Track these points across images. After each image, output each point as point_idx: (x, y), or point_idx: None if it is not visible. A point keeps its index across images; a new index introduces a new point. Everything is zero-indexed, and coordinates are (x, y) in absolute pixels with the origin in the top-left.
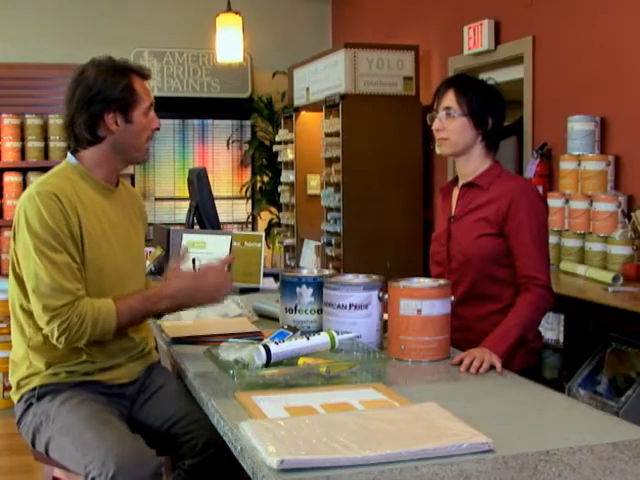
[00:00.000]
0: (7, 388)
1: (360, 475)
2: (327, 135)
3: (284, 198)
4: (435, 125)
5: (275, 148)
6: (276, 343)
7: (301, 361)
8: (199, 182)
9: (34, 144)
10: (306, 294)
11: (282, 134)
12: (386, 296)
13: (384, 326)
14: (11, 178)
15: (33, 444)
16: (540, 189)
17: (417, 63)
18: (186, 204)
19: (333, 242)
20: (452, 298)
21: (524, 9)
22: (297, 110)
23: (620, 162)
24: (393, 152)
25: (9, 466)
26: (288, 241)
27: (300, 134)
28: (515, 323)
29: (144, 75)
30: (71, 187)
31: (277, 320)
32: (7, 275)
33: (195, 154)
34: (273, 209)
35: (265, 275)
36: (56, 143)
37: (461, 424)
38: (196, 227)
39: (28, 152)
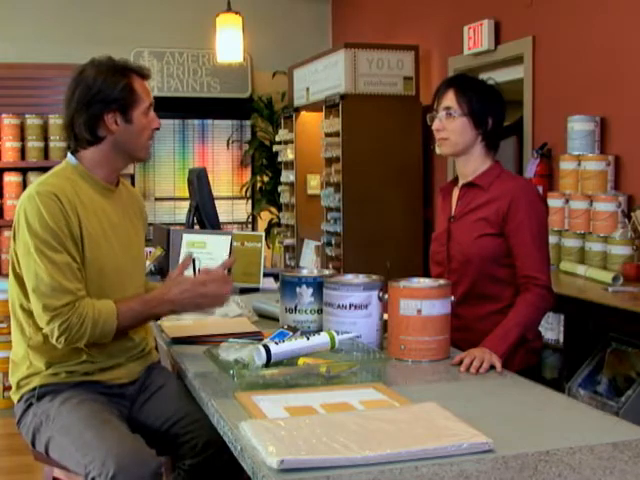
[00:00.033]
0: (7, 388)
1: (360, 475)
2: (327, 135)
3: (284, 198)
4: (435, 125)
5: (275, 148)
6: (276, 343)
7: (301, 361)
8: (199, 182)
9: (34, 144)
10: (306, 294)
11: (282, 134)
12: (386, 296)
13: (384, 326)
14: (11, 178)
15: (33, 444)
16: (540, 189)
17: (417, 63)
18: (186, 204)
19: (333, 242)
20: (452, 298)
21: (524, 9)
22: (297, 110)
23: (620, 162)
24: (393, 152)
25: (9, 466)
26: (288, 241)
27: (300, 134)
28: (515, 323)
29: (144, 75)
30: (71, 187)
31: (277, 320)
32: (7, 275)
33: (195, 154)
34: (273, 209)
35: (265, 275)
36: (56, 143)
37: (461, 424)
38: (196, 227)
39: (28, 152)
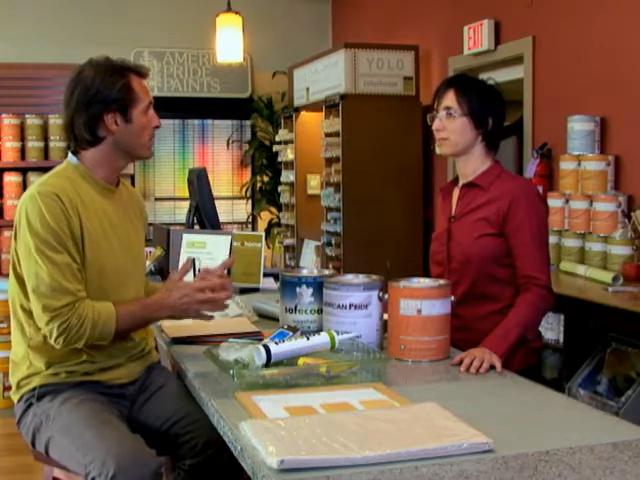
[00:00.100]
0: (7, 388)
1: (360, 475)
2: (327, 135)
3: (284, 198)
4: (435, 125)
5: (275, 148)
6: (276, 343)
7: (301, 361)
8: (199, 182)
9: (34, 144)
10: (306, 294)
11: (282, 134)
12: (386, 296)
13: (384, 326)
14: (11, 178)
15: (33, 444)
16: (540, 189)
17: (417, 63)
18: (186, 204)
19: (333, 242)
20: (452, 298)
21: (524, 9)
22: (297, 110)
23: (620, 162)
24: (393, 152)
25: (9, 466)
26: (288, 241)
27: (300, 134)
28: (515, 323)
29: (142, 74)
30: (72, 187)
31: (277, 320)
32: (7, 275)
33: (195, 154)
34: (273, 209)
35: (265, 275)
36: (56, 143)
37: (461, 424)
38: (196, 227)
39: (28, 152)
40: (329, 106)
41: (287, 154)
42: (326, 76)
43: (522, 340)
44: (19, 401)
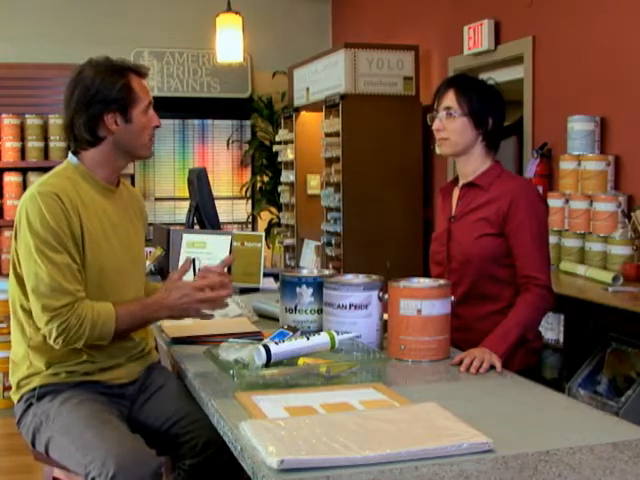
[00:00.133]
0: (7, 388)
1: (360, 475)
2: (327, 135)
3: (284, 198)
4: (435, 125)
5: (275, 148)
6: (276, 343)
7: (301, 361)
8: (199, 182)
9: (34, 144)
10: (306, 294)
11: (282, 134)
12: (386, 296)
13: (384, 326)
14: (11, 178)
15: (33, 444)
16: (540, 189)
17: (417, 63)
18: (186, 204)
19: (333, 242)
20: (452, 298)
21: (524, 9)
22: (297, 110)
23: (620, 162)
24: (393, 152)
25: (9, 466)
26: (288, 241)
27: (300, 134)
28: (515, 323)
29: (141, 73)
30: (72, 187)
31: (277, 320)
32: (7, 275)
33: (195, 154)
34: (273, 209)
35: (265, 275)
36: (56, 143)
37: (461, 424)
38: (196, 227)
39: (28, 152)
40: (329, 106)
41: (287, 154)
42: (326, 76)
43: (522, 340)
44: (19, 401)
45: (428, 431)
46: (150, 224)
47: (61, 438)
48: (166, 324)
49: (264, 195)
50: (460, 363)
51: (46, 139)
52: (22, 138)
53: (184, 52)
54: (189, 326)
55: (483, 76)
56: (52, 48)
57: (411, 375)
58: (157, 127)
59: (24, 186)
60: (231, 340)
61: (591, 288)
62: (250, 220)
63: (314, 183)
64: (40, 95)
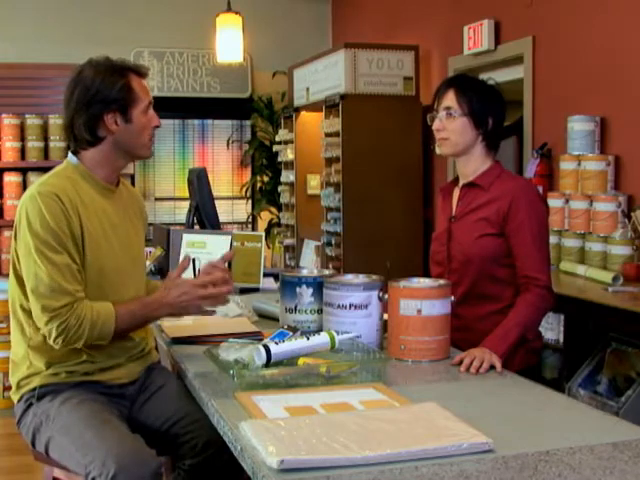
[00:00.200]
0: (7, 388)
1: (360, 475)
2: (327, 135)
3: (284, 198)
4: (435, 125)
5: (275, 148)
6: (276, 343)
7: (301, 361)
8: (199, 182)
9: (34, 144)
10: (306, 294)
11: (282, 134)
12: (386, 296)
13: (384, 326)
14: (11, 178)
15: (33, 444)
16: (540, 189)
17: (417, 63)
18: (186, 204)
19: (333, 242)
20: (452, 298)
21: (524, 9)
22: (297, 110)
23: (620, 162)
24: (393, 152)
25: (9, 466)
26: (288, 241)
27: (300, 134)
28: (515, 323)
29: (141, 73)
30: (72, 187)
31: (277, 320)
32: (7, 275)
33: (195, 154)
34: (273, 209)
35: (265, 275)
36: (56, 143)
37: (461, 424)
38: (196, 227)
39: (28, 152)
40: (329, 106)
41: (287, 154)
42: (326, 76)
43: (522, 340)
44: (19, 401)
45: (428, 431)
46: (150, 224)
47: (61, 438)
48: (166, 324)
49: (264, 195)
50: (460, 363)
51: (46, 139)
52: (22, 138)
53: (184, 52)
54: (189, 326)
55: (483, 76)
56: (52, 48)
57: (411, 375)
58: (157, 127)
59: (24, 186)
60: (231, 340)
61: (591, 288)
62: (250, 220)
63: (314, 183)
64: (40, 95)
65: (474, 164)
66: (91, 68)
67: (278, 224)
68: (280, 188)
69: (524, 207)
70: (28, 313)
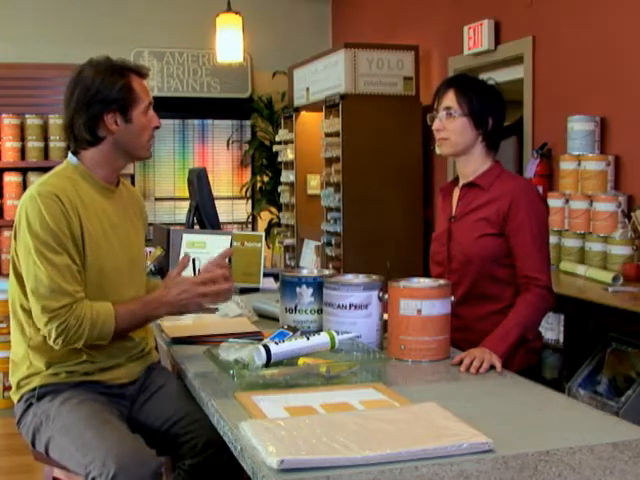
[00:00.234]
0: (7, 388)
1: (360, 475)
2: (327, 135)
3: (284, 198)
4: (435, 125)
5: (275, 148)
6: (276, 343)
7: (301, 361)
8: (199, 182)
9: (34, 144)
10: (306, 294)
11: (282, 134)
12: (386, 296)
13: (384, 326)
14: (11, 178)
15: (33, 444)
16: (540, 189)
17: (417, 63)
18: (186, 204)
19: (333, 242)
20: (452, 298)
21: (524, 9)
22: (297, 110)
23: (620, 162)
24: (393, 152)
25: (9, 466)
26: (288, 241)
27: (300, 134)
28: (515, 323)
29: (142, 74)
30: (72, 187)
31: (277, 320)
32: (7, 275)
33: (195, 154)
34: (273, 209)
35: (265, 275)
36: (56, 143)
37: (461, 424)
38: (196, 227)
39: (28, 152)
40: (329, 106)
41: (287, 154)
42: (326, 76)
43: (522, 340)
44: (19, 401)
45: (428, 431)
46: (150, 224)
47: (61, 438)
48: (166, 324)
49: (264, 195)
50: (460, 363)
51: (46, 139)
52: (22, 138)
53: (184, 52)
54: (189, 326)
55: (483, 76)
56: (52, 48)
57: (411, 375)
58: (157, 128)
59: (24, 186)
60: (231, 340)
61: (591, 288)
62: (250, 220)
63: (314, 183)
64: (40, 95)
65: (474, 164)
66: (91, 68)
67: (278, 224)
68: (280, 188)
69: (524, 207)
70: (28, 313)
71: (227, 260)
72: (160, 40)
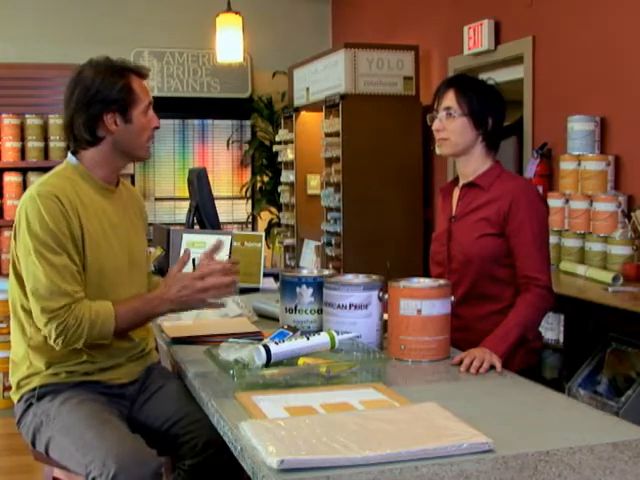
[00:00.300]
0: (7, 388)
1: (360, 475)
2: (327, 135)
3: (284, 198)
4: (435, 125)
5: (275, 148)
6: (276, 343)
7: (301, 361)
8: (199, 182)
9: (34, 144)
10: (306, 294)
11: (282, 134)
12: (386, 296)
13: (384, 326)
14: (11, 178)
15: (33, 444)
16: (540, 189)
17: (417, 63)
18: (186, 204)
19: (333, 242)
20: (452, 298)
21: (524, 9)
22: (297, 110)
23: (620, 162)
24: (393, 152)
25: (9, 466)
26: (288, 241)
27: (300, 134)
28: (515, 323)
29: (142, 74)
30: (71, 187)
31: (277, 320)
32: (7, 275)
33: (195, 154)
34: (273, 209)
35: (265, 275)
36: (56, 143)
37: (461, 424)
38: (196, 227)
39: (28, 152)
40: (329, 106)
41: (287, 154)
42: (326, 76)
43: (522, 340)
44: (19, 401)
45: (428, 431)
46: (150, 224)
47: (61, 438)
48: (166, 324)
49: (264, 195)
50: (460, 363)
51: (46, 139)
52: (22, 138)
53: (184, 52)
54: (189, 326)
55: (483, 76)
56: (52, 48)
57: (411, 375)
58: (157, 128)
59: (24, 186)
60: (231, 340)
61: (591, 288)
62: (250, 220)
63: (314, 183)
64: (40, 95)
65: (474, 164)
66: (91, 68)
67: (278, 224)
68: (280, 188)
69: (524, 207)
70: (29, 313)
71: (228, 255)
72: (160, 40)
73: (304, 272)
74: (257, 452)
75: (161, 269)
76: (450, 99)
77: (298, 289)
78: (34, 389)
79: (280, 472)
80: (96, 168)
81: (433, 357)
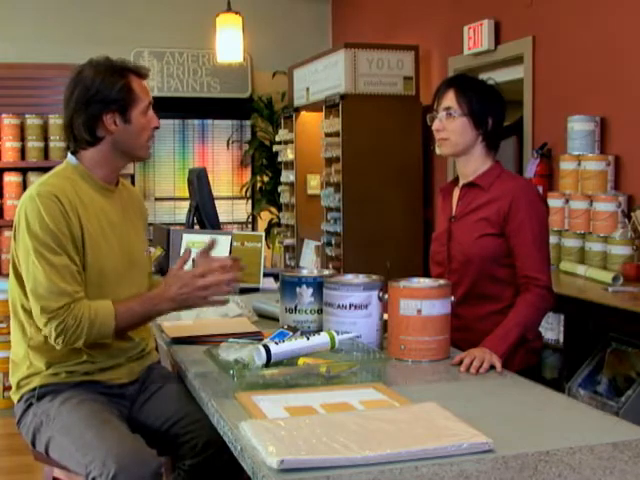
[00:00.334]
0: (7, 388)
1: (360, 475)
2: (327, 135)
3: (284, 198)
4: (435, 125)
5: (275, 148)
6: (276, 343)
7: (301, 361)
8: (199, 182)
9: (34, 144)
10: (306, 294)
11: (282, 134)
12: (386, 296)
13: (384, 326)
14: (11, 178)
15: (33, 444)
16: (540, 189)
17: (417, 63)
18: (186, 204)
19: (333, 242)
20: (452, 298)
21: (524, 9)
22: (297, 110)
23: (620, 162)
24: (393, 152)
25: (9, 466)
26: (288, 241)
27: (300, 134)
28: (515, 323)
29: (142, 74)
30: (71, 187)
31: (277, 320)
32: (7, 275)
33: (195, 154)
34: (273, 209)
35: (265, 275)
36: (56, 143)
37: (461, 424)
38: (196, 227)
39: (28, 152)
40: (329, 106)
41: (287, 154)
42: (326, 76)
43: (522, 340)
44: (19, 401)
45: (428, 431)
46: (150, 224)
47: (61, 438)
48: (166, 324)
49: (264, 195)
50: (460, 363)
51: (46, 139)
52: (22, 138)
53: (184, 52)
54: (189, 326)
55: (483, 76)
56: (52, 48)
57: (411, 375)
58: (156, 128)
59: (24, 186)
60: (231, 340)
61: (591, 288)
62: (250, 220)
63: (314, 183)
64: (40, 95)
65: (474, 164)
66: (91, 68)
67: (278, 224)
68: (280, 188)
69: (524, 207)
70: (29, 313)
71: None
72: (160, 40)
73: (304, 272)
74: (257, 452)
75: (161, 269)
76: (450, 99)
77: (298, 289)
78: (34, 389)
79: (280, 472)
80: (96, 168)
81: (433, 357)
